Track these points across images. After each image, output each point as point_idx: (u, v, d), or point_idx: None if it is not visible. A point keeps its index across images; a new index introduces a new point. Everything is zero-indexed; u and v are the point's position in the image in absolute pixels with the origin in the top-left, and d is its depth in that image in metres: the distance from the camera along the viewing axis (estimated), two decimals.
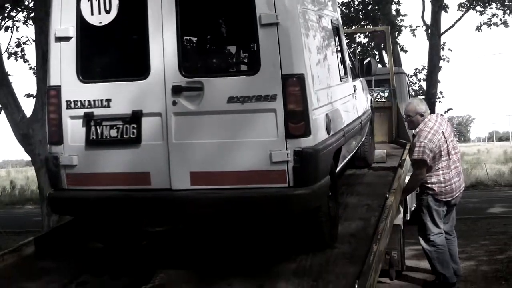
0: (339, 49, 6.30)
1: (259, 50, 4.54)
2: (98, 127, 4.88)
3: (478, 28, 23.64)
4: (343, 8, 24.14)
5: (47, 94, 5.06)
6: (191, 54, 4.74)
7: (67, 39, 4.91)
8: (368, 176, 8.04)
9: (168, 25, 4.67)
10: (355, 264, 4.87)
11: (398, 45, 21.91)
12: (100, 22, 4.85)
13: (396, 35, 21.18)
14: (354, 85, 6.94)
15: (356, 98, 6.90)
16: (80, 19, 4.88)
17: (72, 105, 4.92)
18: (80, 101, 4.90)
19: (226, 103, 4.61)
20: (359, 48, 20.97)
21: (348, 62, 6.55)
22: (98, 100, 4.86)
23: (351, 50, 10.38)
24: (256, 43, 4.54)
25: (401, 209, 7.33)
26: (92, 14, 4.85)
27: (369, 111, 8.02)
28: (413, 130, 7.16)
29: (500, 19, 23.31)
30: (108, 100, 4.85)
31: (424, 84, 22.91)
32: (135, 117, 4.78)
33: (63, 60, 4.94)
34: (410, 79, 23.47)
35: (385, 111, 10.59)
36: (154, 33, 4.70)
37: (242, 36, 4.68)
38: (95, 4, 4.83)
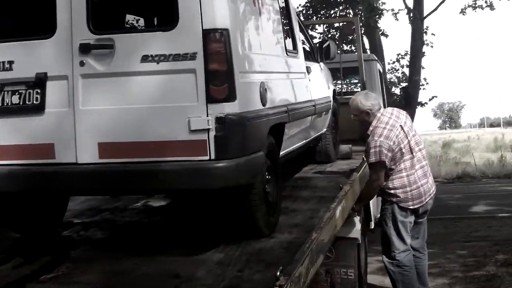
0: (286, 22, 5.73)
1: (177, 2, 3.96)
2: (0, 94, 4.28)
3: (463, 11, 22.47)
4: None
5: None
6: (101, 8, 4.16)
7: None
8: (328, 170, 7.44)
9: None
10: (290, 253, 4.25)
11: (378, 30, 21.14)
12: None
13: (377, 19, 20.44)
14: (308, 66, 6.36)
15: (310, 80, 6.32)
16: None
17: None
18: None
19: (139, 63, 4.02)
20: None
21: (298, 38, 5.97)
22: (0, 62, 4.26)
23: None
24: None
25: (356, 221, 6.21)
26: None
27: (330, 101, 7.43)
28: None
29: (486, 1, 22.13)
30: (11, 62, 4.25)
31: (407, 71, 22.18)
32: (39, 81, 4.18)
33: None
34: (392, 65, 22.89)
35: None
36: None
37: None
38: None
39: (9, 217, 5.06)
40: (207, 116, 3.96)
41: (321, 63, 7.50)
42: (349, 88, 11.08)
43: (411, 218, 6.09)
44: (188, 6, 3.95)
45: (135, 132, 4.06)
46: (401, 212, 6.01)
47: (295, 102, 5.51)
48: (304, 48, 7.01)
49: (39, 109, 4.18)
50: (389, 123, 5.84)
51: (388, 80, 22.36)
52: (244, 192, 4.43)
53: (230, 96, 3.99)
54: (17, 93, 4.23)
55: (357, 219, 6.22)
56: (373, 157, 5.76)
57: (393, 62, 23.48)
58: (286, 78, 5.36)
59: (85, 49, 4.06)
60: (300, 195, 6.14)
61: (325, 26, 19.56)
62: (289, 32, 5.81)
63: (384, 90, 12.71)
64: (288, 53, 5.48)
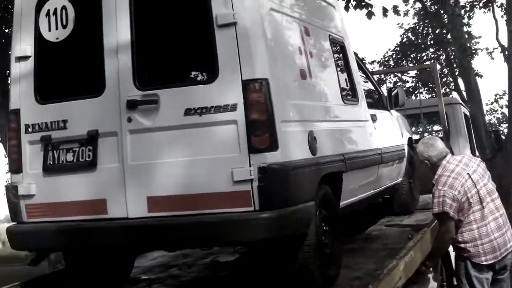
0: (343, 71, 5.67)
1: (217, 55, 4.01)
2: (55, 151, 4.46)
3: None
4: (409, 34, 23.23)
5: (8, 119, 4.71)
6: (146, 65, 4.27)
7: (25, 58, 4.60)
8: (405, 222, 7.17)
9: (123, 36, 4.26)
10: None
11: (472, 70, 20.51)
12: (57, 38, 4.51)
13: (470, 60, 19.84)
14: (373, 114, 6.23)
15: (375, 128, 6.18)
16: (38, 36, 4.57)
17: (31, 129, 4.55)
18: (38, 124, 4.52)
19: (183, 116, 4.08)
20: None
21: (358, 87, 5.86)
22: (55, 121, 4.46)
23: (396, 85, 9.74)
24: (214, 46, 4.02)
25: (431, 278, 5.85)
26: (49, 30, 4.52)
27: (403, 149, 7.22)
28: None
29: None
30: (65, 121, 4.43)
31: (506, 111, 21.35)
32: (91, 138, 4.32)
33: (22, 81, 4.62)
34: (491, 106, 22.07)
35: None
36: (109, 45, 4.30)
37: (199, 40, 4.18)
38: (53, 19, 4.51)
39: (77, 273, 5.16)
40: (250, 166, 3.94)
41: (393, 111, 7.34)
42: (433, 134, 10.65)
43: (488, 275, 5.51)
44: (227, 58, 3.99)
45: (181, 185, 4.09)
46: (474, 269, 5.46)
47: (355, 151, 5.38)
48: (371, 96, 6.92)
49: (91, 165, 4.31)
50: (455, 171, 5.41)
51: (488, 121, 21.63)
52: (297, 243, 4.34)
53: (272, 146, 3.96)
54: (71, 151, 4.39)
55: (431, 276, 5.88)
56: (436, 207, 5.36)
57: (491, 103, 22.72)
58: (343, 127, 5.26)
59: (132, 105, 4.18)
60: (369, 247, 5.97)
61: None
62: (347, 81, 5.74)
63: (472, 134, 12.21)
64: (345, 101, 5.40)
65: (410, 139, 7.87)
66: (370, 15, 11.47)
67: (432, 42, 21.67)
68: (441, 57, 23.62)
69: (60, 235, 4.44)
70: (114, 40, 4.27)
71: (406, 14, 25.81)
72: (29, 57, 4.57)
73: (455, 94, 27.07)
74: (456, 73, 24.85)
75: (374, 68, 25.46)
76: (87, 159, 4.33)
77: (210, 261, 6.21)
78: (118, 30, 4.26)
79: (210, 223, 4.01)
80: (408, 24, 25.54)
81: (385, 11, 12.12)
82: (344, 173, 4.99)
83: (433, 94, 19.46)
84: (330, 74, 5.21)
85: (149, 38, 4.30)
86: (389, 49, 26.65)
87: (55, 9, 4.48)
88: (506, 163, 15.01)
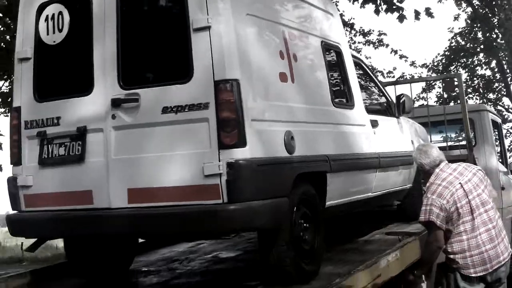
0: (337, 76, 5.85)
1: (192, 56, 4.30)
2: (49, 146, 4.82)
3: None
4: (458, 38, 22.84)
5: (11, 115, 5.09)
6: (129, 66, 4.57)
7: (26, 60, 4.98)
8: (411, 228, 7.23)
9: (110, 39, 4.59)
10: None
11: None
12: (54, 41, 4.87)
13: None
14: (374, 120, 6.36)
15: (375, 133, 6.31)
16: (37, 39, 4.94)
17: (29, 125, 4.91)
18: (36, 120, 4.88)
19: (160, 114, 4.37)
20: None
21: (354, 92, 6.00)
22: (50, 118, 4.81)
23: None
24: (189, 49, 4.31)
25: (424, 286, 5.81)
26: (47, 34, 4.89)
27: (412, 155, 7.28)
28: None
29: None
30: (58, 118, 4.78)
31: None
32: (80, 134, 4.66)
33: (23, 81, 4.99)
34: None
35: None
36: (97, 48, 4.64)
37: (177, 43, 4.44)
38: (51, 24, 4.87)
39: (77, 262, 5.49)
40: (219, 161, 4.18)
41: (403, 118, 7.43)
42: (459, 141, 10.41)
43: (479, 287, 5.31)
44: (201, 59, 4.26)
45: (157, 179, 4.37)
46: (464, 281, 5.29)
47: (345, 153, 5.53)
48: (376, 103, 7.06)
49: (80, 159, 4.64)
50: (446, 179, 5.28)
51: None
52: (270, 237, 4.56)
53: (240, 143, 4.19)
54: (63, 145, 4.74)
55: (424, 286, 5.87)
56: (422, 215, 5.25)
57: None
58: (331, 129, 5.42)
59: (116, 103, 4.49)
60: (364, 248, 6.10)
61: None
62: (340, 86, 5.90)
63: (504, 142, 11.99)
64: (336, 105, 5.57)
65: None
66: (401, 18, 11.45)
67: (482, 46, 21.37)
68: (491, 63, 23.35)
69: (51, 224, 4.80)
70: (102, 44, 4.60)
71: (456, 18, 25.67)
72: (30, 58, 4.95)
73: (506, 100, 26.70)
74: (509, 78, 24.42)
75: (422, 73, 25.37)
76: (76, 153, 4.66)
77: (211, 257, 6.46)
78: (105, 34, 4.59)
79: (181, 213, 4.28)
80: (459, 28, 25.40)
81: (417, 14, 12.04)
82: (329, 173, 5.16)
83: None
84: (318, 78, 5.39)
85: (133, 42, 4.61)
86: (438, 54, 26.50)
87: (53, 15, 4.85)
88: None
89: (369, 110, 6.48)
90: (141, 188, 4.43)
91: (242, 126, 4.22)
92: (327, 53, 5.63)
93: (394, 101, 7.23)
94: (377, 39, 22.75)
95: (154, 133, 4.41)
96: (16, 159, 4.98)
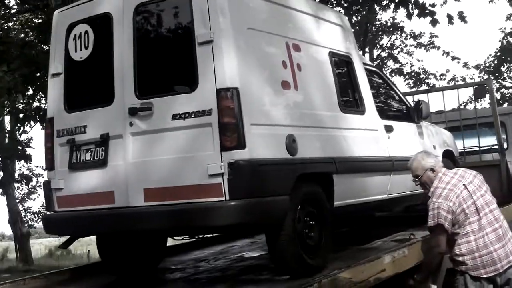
0: (346, 82, 6.21)
1: (197, 68, 4.76)
2: (77, 152, 5.36)
3: None
4: (509, 38, 22.48)
5: (45, 125, 5.69)
6: (144, 78, 5.06)
7: (58, 75, 5.56)
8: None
9: (128, 55, 5.11)
10: None
11: None
12: (81, 58, 5.44)
13: None
14: (389, 125, 6.68)
15: (389, 138, 6.62)
16: (67, 56, 5.51)
17: (61, 133, 5.48)
18: (66, 129, 5.44)
19: (170, 120, 4.85)
20: None
21: (365, 97, 6.34)
22: (78, 127, 5.37)
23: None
24: (195, 61, 4.78)
25: None
26: (75, 51, 5.45)
27: None
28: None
29: None
30: (85, 126, 5.32)
31: None
32: (103, 141, 5.18)
33: (55, 94, 5.57)
34: None
35: (493, 169, 9.47)
36: (117, 63, 5.16)
37: (184, 56, 4.90)
38: (78, 42, 5.43)
39: (108, 260, 6.00)
40: (221, 162, 4.63)
41: (425, 123, 7.69)
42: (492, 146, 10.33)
43: None
44: (205, 70, 4.73)
45: (168, 179, 4.84)
46: (474, 283, 5.25)
47: (354, 156, 5.87)
48: (394, 109, 7.35)
49: (103, 163, 5.17)
50: (450, 182, 5.33)
51: None
52: (273, 232, 4.97)
53: (239, 145, 4.62)
54: (89, 151, 5.28)
55: None
56: (431, 220, 5.24)
57: None
58: (338, 133, 5.76)
59: (133, 112, 5.00)
60: (381, 247, 6.35)
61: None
62: (350, 92, 6.25)
63: None
64: (345, 111, 5.93)
65: (448, 151, 8.14)
66: (434, 22, 11.58)
67: None
68: None
69: (80, 222, 5.34)
70: (121, 59, 5.12)
71: (509, 18, 25.48)
72: (60, 73, 5.53)
73: None
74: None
75: (474, 74, 25.16)
76: (100, 158, 5.19)
77: (237, 256, 6.89)
78: (123, 50, 5.12)
79: (189, 210, 4.73)
80: (511, 28, 25.25)
81: (450, 18, 12.13)
82: (335, 174, 5.52)
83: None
84: (324, 85, 5.76)
85: (147, 57, 5.11)
86: (490, 55, 26.30)
87: (80, 33, 5.41)
88: None
89: (385, 116, 6.80)
90: (155, 188, 4.91)
91: (241, 130, 4.65)
92: (335, 62, 6.00)
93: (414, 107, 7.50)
94: (428, 41, 22.92)
95: (165, 138, 4.89)
96: (50, 165, 5.55)
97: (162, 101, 4.94)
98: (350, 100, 6.23)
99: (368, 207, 6.45)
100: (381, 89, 7.31)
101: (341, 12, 10.85)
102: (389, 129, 6.70)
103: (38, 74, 11.82)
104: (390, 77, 23.45)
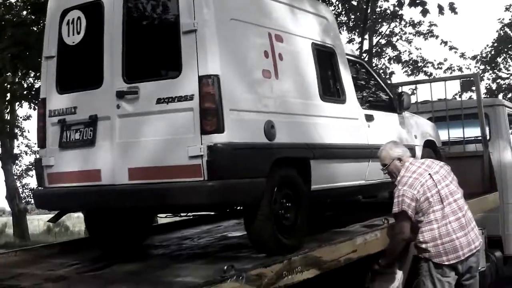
0: (328, 72, 6.47)
1: (181, 55, 5.04)
2: (67, 131, 5.65)
3: None
4: (506, 29, 22.79)
5: (38, 105, 5.98)
6: (132, 63, 5.35)
7: (51, 58, 5.84)
8: None
9: (117, 41, 5.38)
10: None
11: None
12: (73, 42, 5.71)
13: None
14: (370, 114, 6.96)
15: (369, 127, 6.91)
16: (60, 40, 5.78)
17: (52, 113, 5.77)
18: (57, 109, 5.73)
19: (155, 104, 5.13)
20: None
21: (346, 87, 6.62)
22: (68, 108, 5.65)
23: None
24: (179, 49, 5.06)
25: (397, 277, 6.07)
26: (68, 35, 5.73)
27: (412, 148, 7.78)
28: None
29: None
30: (75, 108, 5.61)
31: None
32: (92, 121, 5.47)
33: (48, 76, 5.86)
34: None
35: (476, 160, 9.76)
36: (107, 48, 5.44)
37: (170, 44, 5.18)
38: (71, 27, 5.71)
39: (96, 236, 6.33)
40: (201, 144, 4.92)
41: (407, 114, 7.96)
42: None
43: (451, 278, 5.51)
44: (189, 58, 5.01)
45: (151, 159, 5.14)
46: (436, 270, 5.50)
47: (331, 143, 6.15)
48: (375, 99, 7.63)
49: (91, 143, 5.46)
50: (416, 171, 5.61)
51: None
52: (250, 212, 5.27)
53: (218, 129, 4.91)
54: (78, 131, 5.56)
55: (398, 276, 6.14)
56: (395, 207, 5.52)
57: None
58: (316, 121, 6.04)
59: (120, 95, 5.28)
60: (357, 231, 6.59)
61: None
62: (332, 82, 6.53)
63: None
64: (325, 99, 6.20)
65: (429, 141, 8.41)
66: (424, 12, 11.75)
67: None
68: None
69: (69, 198, 5.65)
70: (110, 44, 5.41)
71: (508, 9, 25.72)
72: (54, 57, 5.82)
73: None
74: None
75: (470, 64, 25.41)
76: (88, 137, 5.49)
77: (221, 235, 7.21)
78: (113, 36, 5.40)
79: (170, 189, 5.04)
80: (510, 19, 25.39)
81: (440, 9, 12.31)
82: (312, 159, 5.81)
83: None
84: (306, 75, 6.04)
85: (135, 44, 5.39)
86: (487, 45, 26.53)
87: (73, 19, 5.69)
88: None
89: (366, 106, 7.09)
90: (139, 168, 5.21)
91: (221, 115, 4.93)
92: (318, 53, 6.27)
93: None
94: (427, 29, 23.14)
95: (149, 121, 5.18)
96: (41, 143, 5.85)
97: (148, 85, 5.22)
98: (331, 90, 6.50)
99: (346, 192, 6.75)
100: (364, 80, 7.59)
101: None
102: (369, 118, 6.98)
103: (28, 53, 11.96)
104: (388, 64, 23.86)
